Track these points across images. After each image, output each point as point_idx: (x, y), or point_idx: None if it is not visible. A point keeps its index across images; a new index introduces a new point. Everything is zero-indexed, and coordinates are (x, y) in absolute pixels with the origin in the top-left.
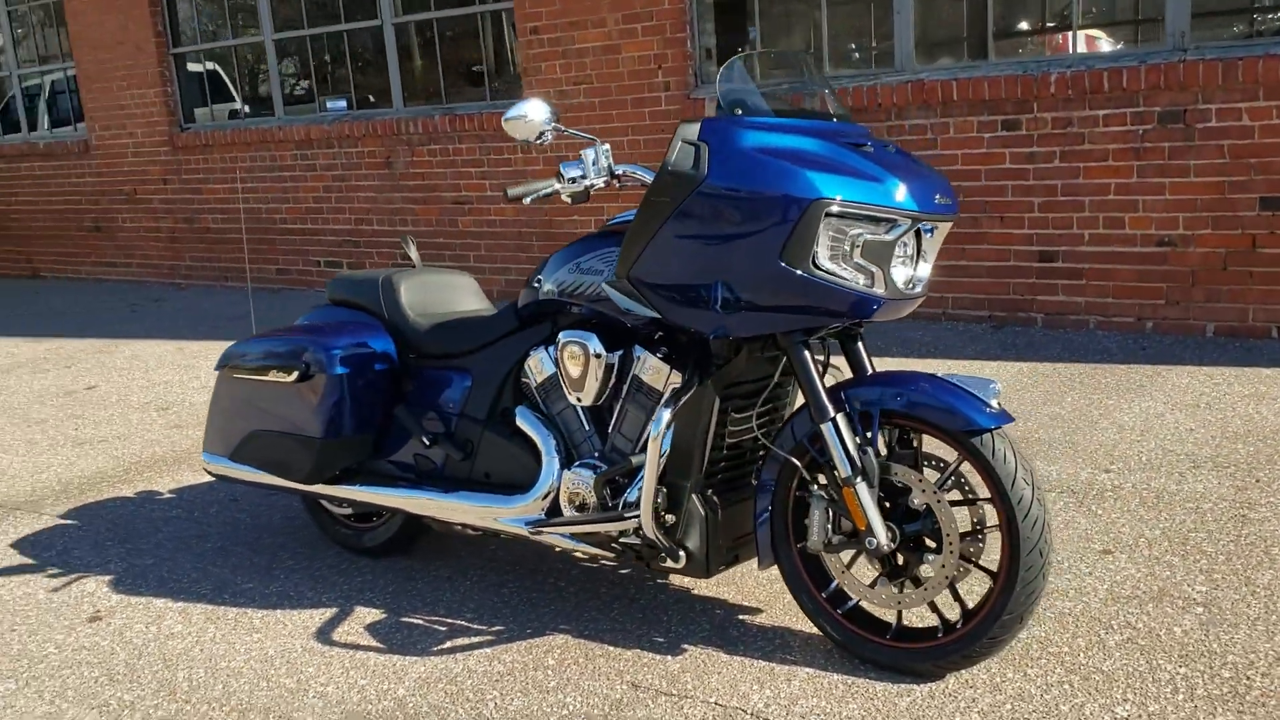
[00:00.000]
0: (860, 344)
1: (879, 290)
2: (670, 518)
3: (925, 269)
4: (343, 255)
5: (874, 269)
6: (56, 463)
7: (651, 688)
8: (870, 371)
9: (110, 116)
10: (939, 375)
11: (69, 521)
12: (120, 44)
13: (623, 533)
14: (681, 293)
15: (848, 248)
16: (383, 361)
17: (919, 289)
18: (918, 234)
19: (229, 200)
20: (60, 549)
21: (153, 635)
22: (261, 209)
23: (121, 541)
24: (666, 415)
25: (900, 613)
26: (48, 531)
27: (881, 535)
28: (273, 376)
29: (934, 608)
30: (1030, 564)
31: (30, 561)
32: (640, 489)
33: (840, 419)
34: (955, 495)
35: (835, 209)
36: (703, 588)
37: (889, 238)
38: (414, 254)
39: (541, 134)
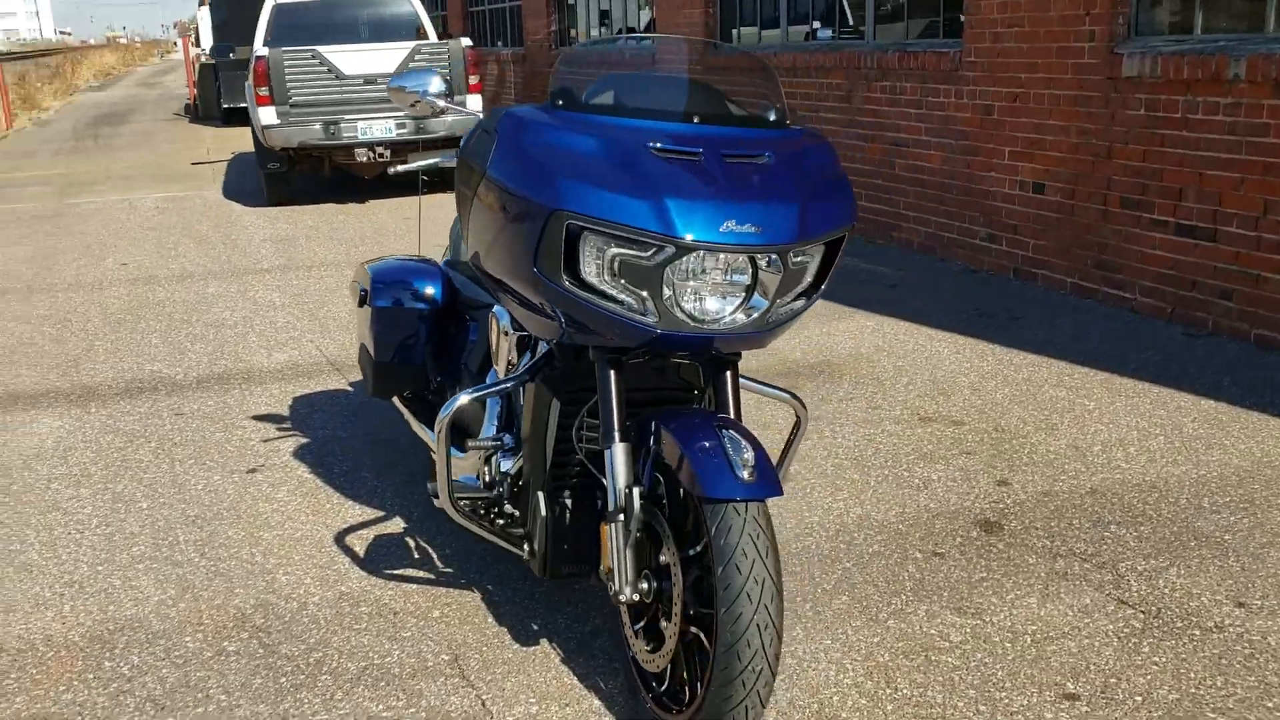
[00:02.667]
0: (728, 374)
1: (650, 319)
2: (510, 509)
3: (762, 303)
4: None
5: (642, 293)
6: None
7: (463, 665)
8: (730, 408)
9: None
10: (722, 425)
11: (347, 389)
12: None
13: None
14: (495, 285)
15: (607, 266)
16: (426, 303)
17: (751, 322)
18: (753, 262)
19: None
20: (313, 409)
21: (259, 496)
22: None
23: (353, 413)
24: (462, 399)
25: (670, 673)
26: (326, 394)
27: (619, 581)
28: (355, 299)
29: (689, 677)
30: (725, 664)
31: (281, 413)
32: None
33: (619, 449)
34: None
35: (578, 223)
36: None
37: (648, 262)
38: None
39: (415, 104)
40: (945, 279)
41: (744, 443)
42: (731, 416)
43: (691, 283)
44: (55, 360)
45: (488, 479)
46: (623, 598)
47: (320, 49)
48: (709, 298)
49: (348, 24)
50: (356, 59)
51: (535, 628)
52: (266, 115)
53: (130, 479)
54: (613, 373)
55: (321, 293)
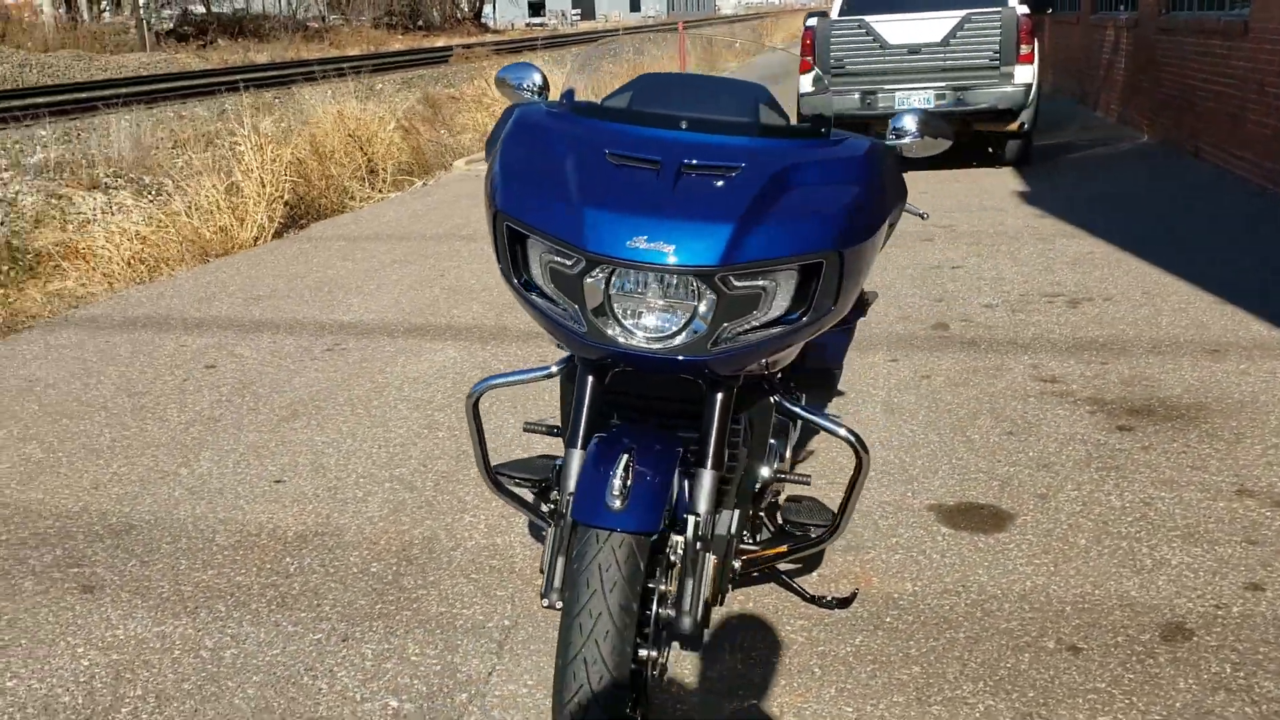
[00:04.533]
0: (718, 396)
1: (579, 327)
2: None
3: (701, 326)
4: None
5: (572, 303)
6: None
7: (511, 634)
8: (711, 433)
9: None
10: (633, 449)
11: None
12: None
13: None
14: None
15: (544, 271)
16: None
17: (689, 345)
18: (700, 281)
19: None
20: None
21: (526, 447)
22: None
23: None
24: (491, 383)
25: None
26: None
27: (545, 586)
28: None
29: None
30: (557, 688)
31: None
32: None
33: (574, 456)
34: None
35: (513, 225)
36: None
37: (570, 271)
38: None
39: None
40: None
41: (635, 472)
42: (711, 441)
43: (627, 297)
44: (499, 301)
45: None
46: (545, 603)
47: (868, 18)
48: (647, 314)
49: None
50: (903, 28)
51: None
52: (804, 83)
53: (453, 411)
54: (590, 378)
55: None
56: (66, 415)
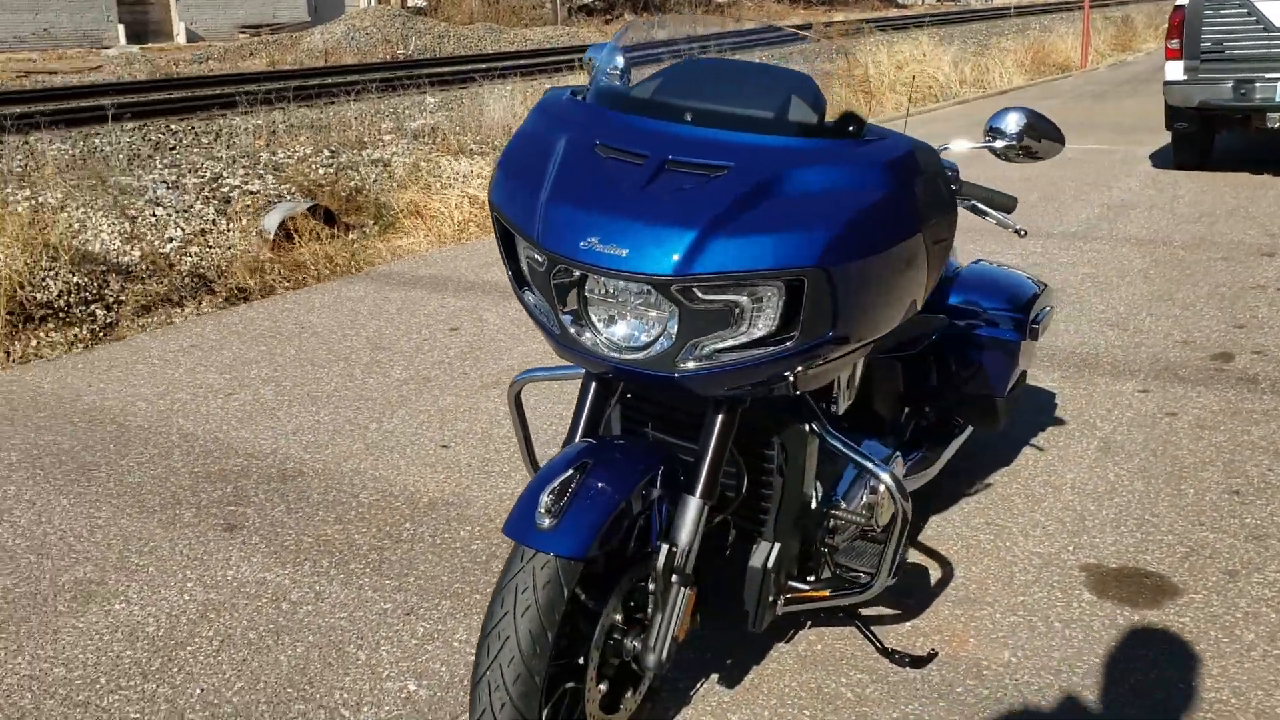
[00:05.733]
0: (719, 418)
1: (555, 329)
2: None
3: (665, 342)
4: None
5: (544, 301)
6: None
7: None
8: (706, 454)
9: None
10: (586, 466)
11: None
12: None
13: None
14: None
15: (526, 266)
16: None
17: (653, 359)
18: (662, 290)
19: None
20: None
21: None
22: None
23: None
24: (526, 376)
25: None
26: None
27: None
28: None
29: None
30: (470, 705)
31: None
32: None
33: None
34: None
35: (499, 217)
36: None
37: (541, 269)
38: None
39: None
40: None
41: (580, 489)
42: (704, 467)
43: (603, 302)
44: None
45: None
46: None
47: None
48: (621, 322)
49: None
50: None
51: None
52: (1172, 70)
53: None
54: (594, 384)
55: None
56: (313, 362)
